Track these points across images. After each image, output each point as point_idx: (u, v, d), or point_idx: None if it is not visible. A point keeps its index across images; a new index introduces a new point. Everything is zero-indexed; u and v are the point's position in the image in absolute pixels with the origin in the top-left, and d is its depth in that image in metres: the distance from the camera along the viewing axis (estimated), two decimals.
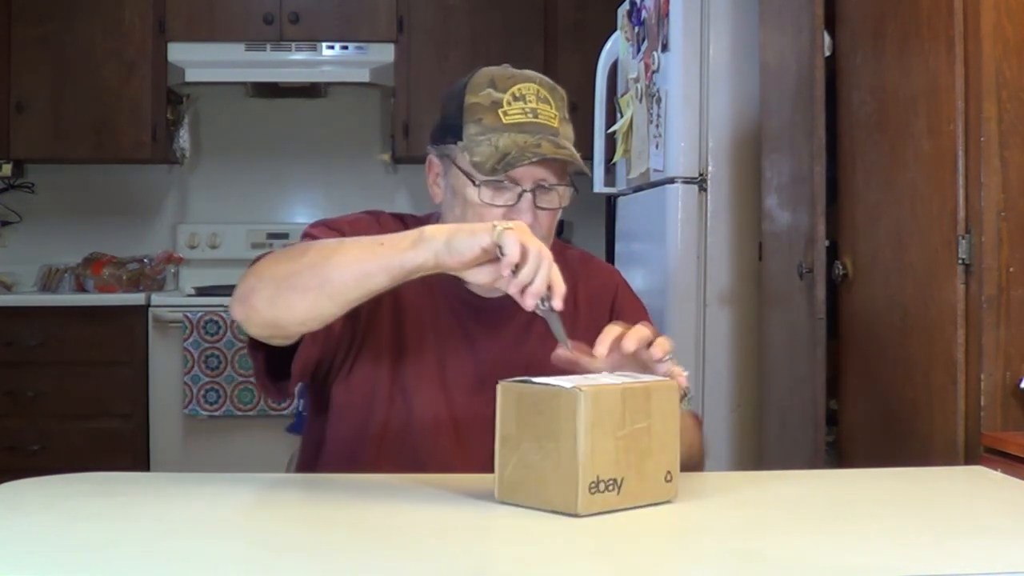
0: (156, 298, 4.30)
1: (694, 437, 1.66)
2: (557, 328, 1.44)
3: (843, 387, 2.51)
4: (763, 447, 2.97)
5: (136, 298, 4.29)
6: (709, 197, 3.13)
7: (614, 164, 3.70)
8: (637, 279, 3.32)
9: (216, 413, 4.18)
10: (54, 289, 4.56)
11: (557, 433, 1.32)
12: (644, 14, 3.38)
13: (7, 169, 4.51)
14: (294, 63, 4.55)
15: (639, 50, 3.43)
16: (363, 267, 1.43)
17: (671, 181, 3.15)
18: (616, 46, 3.72)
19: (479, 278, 1.41)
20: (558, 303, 1.41)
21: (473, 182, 1.62)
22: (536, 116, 1.63)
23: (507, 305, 1.49)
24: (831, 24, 2.52)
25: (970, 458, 1.96)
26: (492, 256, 1.38)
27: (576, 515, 1.30)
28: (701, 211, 3.14)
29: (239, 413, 4.19)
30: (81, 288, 4.49)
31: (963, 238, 1.99)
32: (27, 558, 1.16)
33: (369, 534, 1.28)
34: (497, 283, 1.40)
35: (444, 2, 4.58)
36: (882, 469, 1.86)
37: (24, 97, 4.44)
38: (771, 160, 2.84)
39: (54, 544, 1.21)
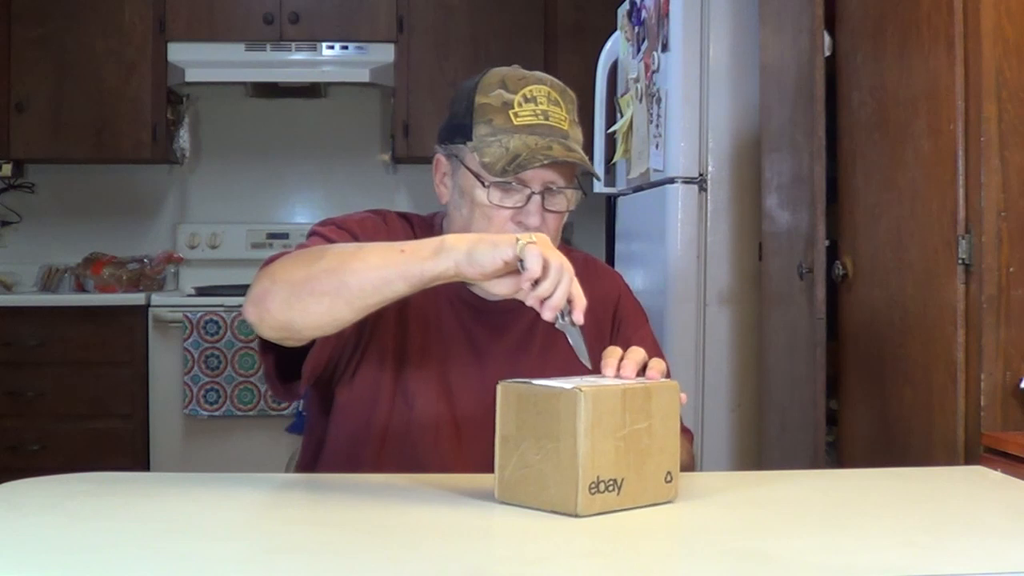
0: (156, 298, 4.30)
1: (684, 453, 1.66)
2: (577, 342, 1.42)
3: (843, 387, 2.51)
4: (763, 447, 2.97)
5: (136, 298, 4.30)
6: (709, 197, 3.13)
7: (614, 164, 3.70)
8: (637, 279, 3.32)
9: (216, 413, 4.18)
10: (54, 289, 4.57)
11: (557, 433, 1.32)
12: (644, 14, 3.38)
13: (7, 169, 4.51)
14: (294, 63, 4.56)
15: (639, 50, 3.43)
16: (382, 274, 1.42)
17: (671, 181, 3.15)
18: (616, 46, 3.72)
19: (499, 289, 1.40)
20: (579, 317, 1.40)
21: (482, 183, 1.62)
22: (547, 118, 1.63)
23: (511, 307, 1.49)
24: (831, 24, 2.52)
25: (970, 458, 1.96)
26: (513, 268, 1.38)
27: (576, 515, 1.30)
28: (701, 211, 3.14)
29: (239, 413, 4.19)
30: (81, 288, 4.49)
31: (963, 238, 1.99)
32: (27, 558, 1.16)
33: (369, 534, 1.28)
34: (517, 295, 1.40)
35: (444, 2, 4.58)
36: (882, 469, 1.87)
37: (24, 97, 4.44)
38: (771, 160, 2.84)
39: (54, 544, 1.21)
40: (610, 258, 3.93)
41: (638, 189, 3.50)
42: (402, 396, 1.67)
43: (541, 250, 1.36)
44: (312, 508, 1.44)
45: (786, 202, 2.72)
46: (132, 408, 4.24)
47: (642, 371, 1.44)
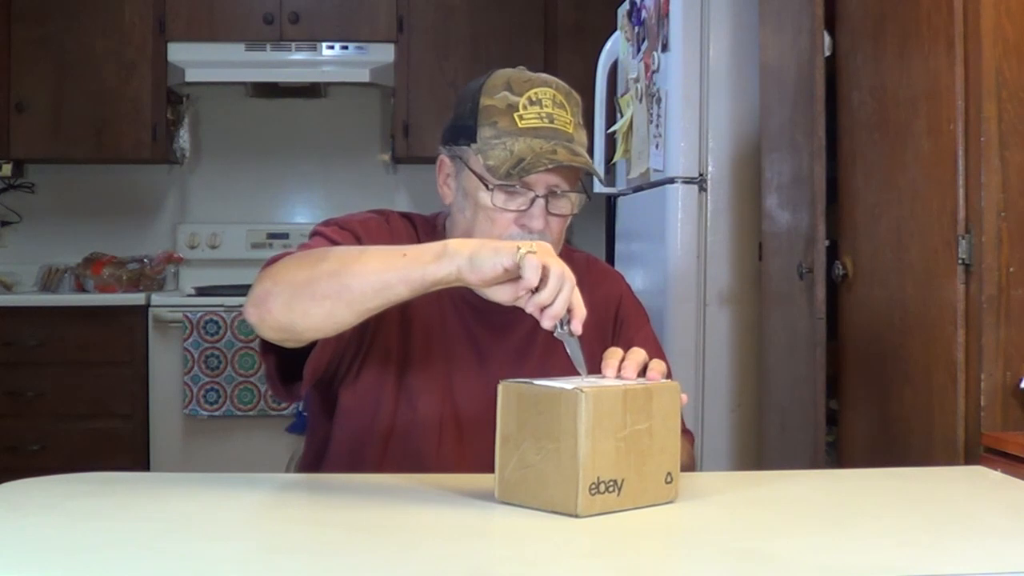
0: (156, 298, 4.30)
1: (685, 454, 1.66)
2: (575, 352, 1.42)
3: (843, 387, 2.51)
4: (763, 447, 2.97)
5: (136, 298, 4.30)
6: (709, 197, 3.13)
7: (614, 164, 3.70)
8: (637, 279, 3.32)
9: (216, 413, 4.18)
10: (54, 289, 4.56)
11: (558, 434, 1.32)
12: (644, 14, 3.38)
13: (7, 169, 4.51)
14: (294, 63, 4.56)
15: (639, 50, 3.43)
16: (383, 277, 1.42)
17: (671, 181, 3.15)
18: (616, 46, 3.72)
19: (499, 296, 1.40)
20: (577, 327, 1.40)
21: (486, 185, 1.62)
22: (552, 121, 1.62)
23: (514, 309, 1.48)
24: (831, 24, 2.52)
25: (970, 458, 1.95)
26: (513, 275, 1.37)
27: (576, 516, 1.30)
28: (701, 211, 3.14)
29: (239, 413, 4.19)
30: (81, 288, 4.49)
31: (963, 238, 1.99)
32: (27, 558, 1.16)
33: (369, 534, 1.28)
34: (517, 302, 1.40)
35: (444, 2, 4.58)
36: (882, 469, 1.86)
37: (24, 97, 4.44)
38: (771, 160, 2.84)
39: (54, 544, 1.21)
40: (610, 258, 3.93)
41: (638, 189, 3.50)
42: (405, 397, 1.67)
43: (541, 259, 1.36)
44: (312, 508, 1.44)
45: (786, 202, 2.72)
46: (132, 408, 4.24)
47: (643, 372, 1.44)
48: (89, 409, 4.21)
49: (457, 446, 1.67)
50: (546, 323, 1.39)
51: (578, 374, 1.42)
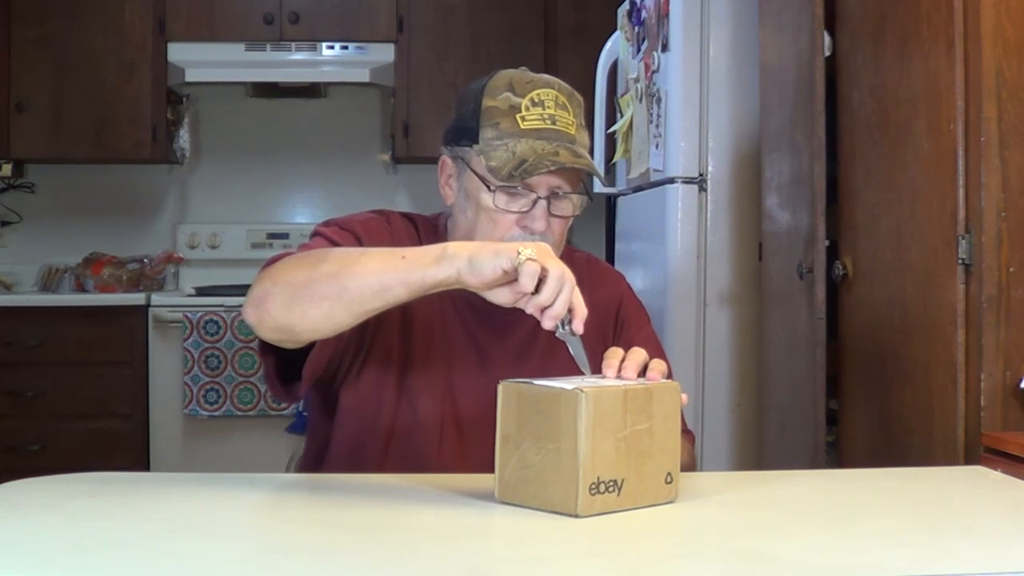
0: (156, 298, 4.30)
1: (685, 454, 1.66)
2: (578, 352, 1.42)
3: (843, 387, 2.51)
4: (763, 447, 2.97)
5: (136, 298, 4.30)
6: (709, 197, 3.13)
7: (614, 164, 3.70)
8: (637, 279, 3.32)
9: (216, 413, 4.18)
10: (54, 289, 4.56)
11: (558, 434, 1.31)
12: (644, 14, 3.38)
13: (7, 169, 4.51)
14: (294, 63, 4.56)
15: (639, 50, 3.43)
16: (382, 279, 1.42)
17: (671, 181, 3.15)
18: (616, 46, 3.72)
19: (499, 298, 1.40)
20: (579, 327, 1.40)
21: (488, 187, 1.62)
22: (554, 123, 1.62)
23: (514, 310, 1.48)
24: (831, 24, 2.52)
25: (970, 458, 1.96)
26: (513, 278, 1.37)
27: (576, 516, 1.30)
28: (701, 211, 3.14)
29: (239, 413, 4.19)
30: (81, 288, 4.49)
31: (963, 238, 1.99)
32: (27, 558, 1.16)
33: (369, 534, 1.28)
34: (517, 304, 1.40)
35: (444, 2, 4.58)
36: (882, 469, 1.87)
37: (24, 97, 4.44)
38: (771, 160, 2.84)
39: (54, 544, 1.21)
40: (610, 258, 3.93)
41: (638, 189, 3.50)
42: (406, 397, 1.67)
43: (541, 262, 1.36)
44: (312, 508, 1.44)
45: (786, 202, 2.72)
46: (132, 408, 4.24)
47: (643, 372, 1.43)
48: (89, 409, 4.21)
49: (457, 446, 1.67)
50: (547, 324, 1.39)
51: (581, 374, 1.42)
